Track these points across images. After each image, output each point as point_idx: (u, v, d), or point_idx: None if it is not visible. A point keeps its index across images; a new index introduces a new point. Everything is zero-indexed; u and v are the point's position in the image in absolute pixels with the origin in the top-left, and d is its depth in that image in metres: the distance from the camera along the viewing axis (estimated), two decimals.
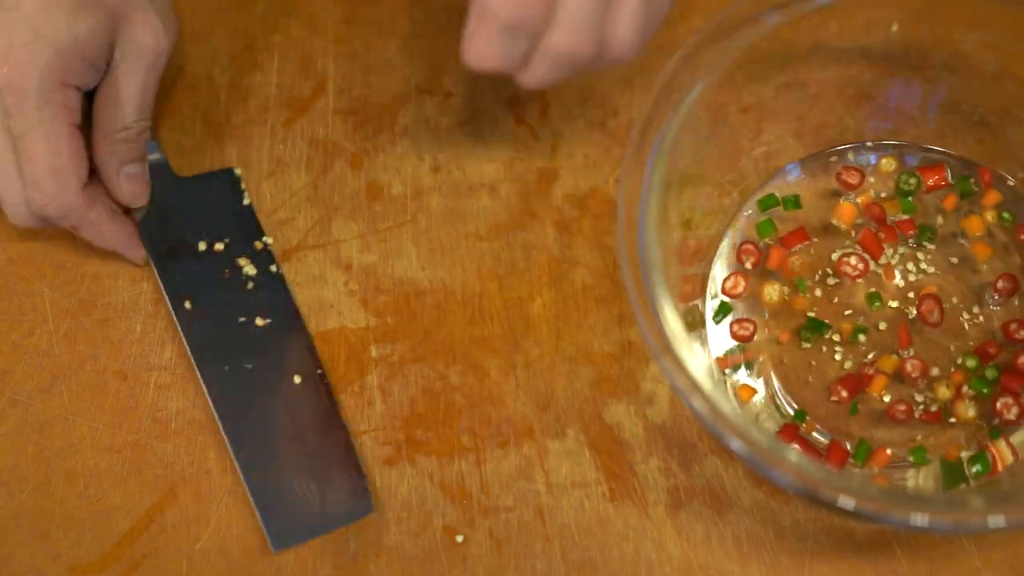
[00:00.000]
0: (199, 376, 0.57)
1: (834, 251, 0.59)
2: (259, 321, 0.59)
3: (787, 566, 0.54)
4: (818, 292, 0.58)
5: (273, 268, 0.60)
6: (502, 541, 0.55)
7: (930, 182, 0.59)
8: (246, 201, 0.62)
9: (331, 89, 0.64)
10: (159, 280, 0.59)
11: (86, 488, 0.56)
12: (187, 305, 0.59)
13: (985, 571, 0.54)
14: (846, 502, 0.46)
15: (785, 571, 0.54)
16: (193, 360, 0.58)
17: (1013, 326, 0.57)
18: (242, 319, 0.59)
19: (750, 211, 0.60)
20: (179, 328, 0.58)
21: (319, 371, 0.58)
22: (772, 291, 0.58)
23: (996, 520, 0.45)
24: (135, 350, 0.59)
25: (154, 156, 0.62)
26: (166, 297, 0.59)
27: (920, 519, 0.45)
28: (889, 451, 0.55)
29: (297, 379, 0.58)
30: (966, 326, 0.57)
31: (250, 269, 0.60)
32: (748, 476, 0.56)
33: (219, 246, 0.60)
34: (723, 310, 0.58)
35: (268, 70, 0.65)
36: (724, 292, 0.58)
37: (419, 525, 0.55)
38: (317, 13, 0.66)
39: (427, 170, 0.63)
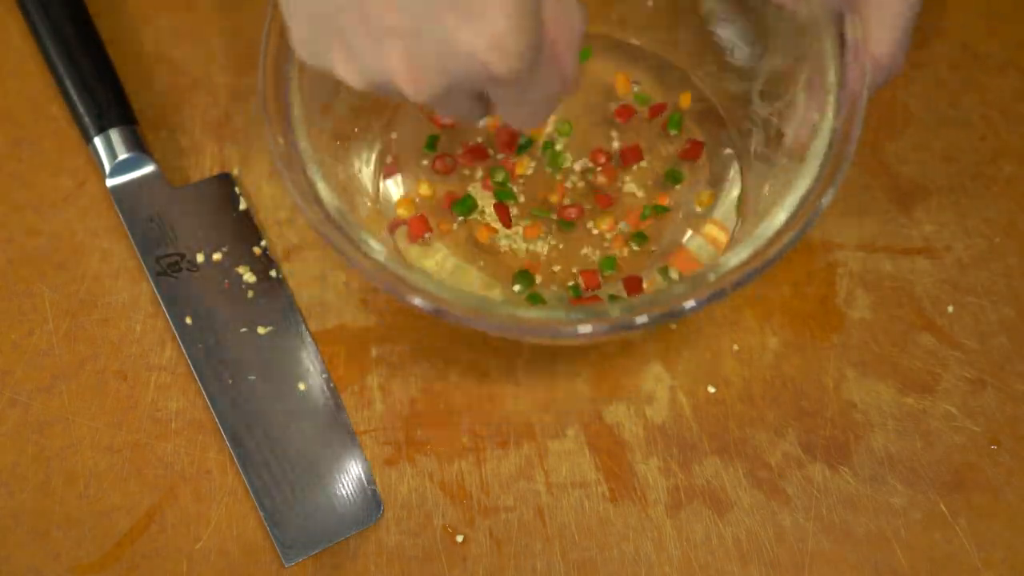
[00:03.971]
0: (203, 392, 0.57)
1: None
2: (260, 329, 0.59)
3: (787, 566, 0.54)
4: None
5: (273, 273, 0.60)
6: (502, 541, 0.55)
7: None
8: (242, 206, 0.62)
9: None
10: (158, 298, 0.59)
11: (86, 488, 0.56)
12: (188, 321, 0.59)
13: (985, 571, 0.54)
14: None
15: (785, 571, 0.54)
16: (196, 375, 0.58)
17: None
18: (243, 329, 0.59)
19: None
20: (181, 344, 0.58)
21: (324, 375, 0.58)
22: None
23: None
24: (135, 350, 0.59)
25: (148, 168, 0.61)
26: (166, 313, 0.59)
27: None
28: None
29: (302, 386, 0.58)
30: None
31: (250, 277, 0.60)
32: (748, 476, 0.56)
33: (217, 256, 0.60)
34: None
35: None
36: None
37: (419, 525, 0.55)
38: None
39: None
